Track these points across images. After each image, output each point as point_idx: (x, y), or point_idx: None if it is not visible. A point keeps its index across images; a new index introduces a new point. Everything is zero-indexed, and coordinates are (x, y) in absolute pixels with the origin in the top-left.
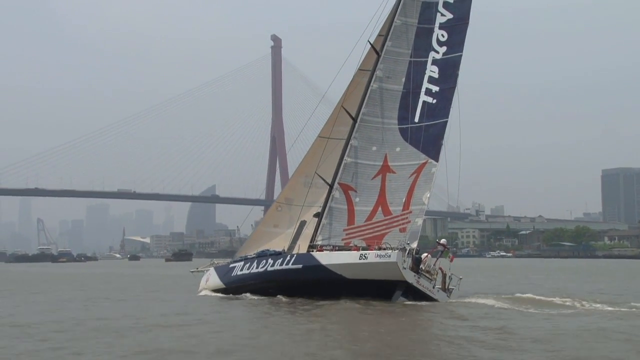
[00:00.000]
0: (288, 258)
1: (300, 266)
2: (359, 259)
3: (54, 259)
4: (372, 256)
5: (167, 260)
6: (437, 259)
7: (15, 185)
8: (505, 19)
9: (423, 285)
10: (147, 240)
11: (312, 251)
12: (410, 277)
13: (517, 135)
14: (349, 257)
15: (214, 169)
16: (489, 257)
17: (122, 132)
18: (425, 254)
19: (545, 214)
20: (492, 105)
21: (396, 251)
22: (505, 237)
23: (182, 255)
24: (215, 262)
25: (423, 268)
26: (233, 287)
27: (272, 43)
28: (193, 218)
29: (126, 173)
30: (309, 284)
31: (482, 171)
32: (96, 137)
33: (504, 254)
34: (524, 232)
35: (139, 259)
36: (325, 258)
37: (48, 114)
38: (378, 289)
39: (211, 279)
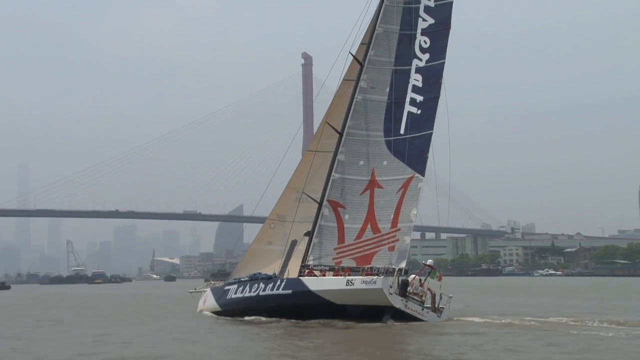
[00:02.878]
0: (278, 283)
1: (290, 291)
2: (346, 285)
3: (89, 280)
4: (358, 282)
5: (207, 280)
6: (425, 279)
7: (45, 207)
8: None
9: (411, 308)
10: (177, 261)
11: (304, 272)
12: (398, 302)
13: (545, 152)
14: (336, 283)
15: (244, 188)
16: (538, 276)
17: (152, 153)
18: (413, 276)
19: (578, 230)
20: (523, 123)
21: (381, 277)
22: (551, 255)
23: (221, 276)
24: (212, 282)
25: (411, 290)
26: (227, 309)
27: (302, 61)
28: (221, 238)
29: (156, 194)
30: (298, 308)
31: (511, 189)
32: (127, 158)
33: (553, 272)
34: (570, 249)
35: (175, 279)
36: (314, 284)
37: (80, 137)
38: (367, 314)
39: (208, 300)
